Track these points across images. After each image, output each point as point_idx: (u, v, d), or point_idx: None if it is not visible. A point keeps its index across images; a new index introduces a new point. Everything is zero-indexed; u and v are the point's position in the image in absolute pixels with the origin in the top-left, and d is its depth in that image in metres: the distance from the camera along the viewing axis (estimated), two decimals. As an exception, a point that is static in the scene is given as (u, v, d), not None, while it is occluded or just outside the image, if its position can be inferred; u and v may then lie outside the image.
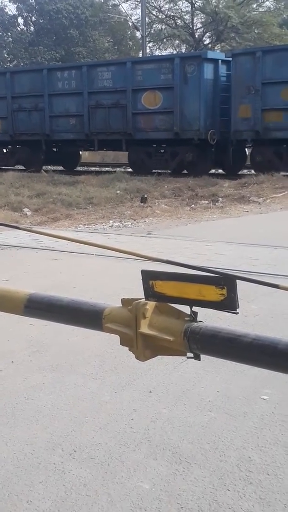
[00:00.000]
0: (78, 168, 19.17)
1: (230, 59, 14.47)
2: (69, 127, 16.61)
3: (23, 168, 17.16)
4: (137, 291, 1.23)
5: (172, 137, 14.81)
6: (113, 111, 15.54)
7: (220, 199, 11.43)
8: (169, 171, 15.22)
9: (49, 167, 17.74)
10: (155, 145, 15.60)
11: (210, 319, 2.01)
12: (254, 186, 12.25)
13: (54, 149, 18.01)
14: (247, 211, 10.14)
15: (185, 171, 15.24)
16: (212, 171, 15.78)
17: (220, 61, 14.57)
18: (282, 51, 14.19)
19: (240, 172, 15.33)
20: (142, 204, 11.11)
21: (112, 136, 15.80)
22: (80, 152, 18.35)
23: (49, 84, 16.54)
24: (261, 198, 11.25)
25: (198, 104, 14.32)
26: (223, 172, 15.51)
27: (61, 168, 17.98)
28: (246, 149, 15.39)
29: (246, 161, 15.57)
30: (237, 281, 1.15)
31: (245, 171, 15.65)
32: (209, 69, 14.33)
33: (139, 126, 15.31)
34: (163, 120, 14.88)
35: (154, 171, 14.54)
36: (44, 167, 17.48)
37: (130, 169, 16.30)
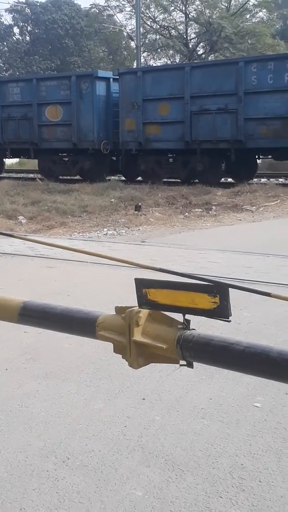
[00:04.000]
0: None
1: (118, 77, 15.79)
2: None
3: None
4: (131, 299, 1.25)
5: (71, 147, 16.44)
6: (22, 123, 17.30)
7: (214, 207, 11.50)
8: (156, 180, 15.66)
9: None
10: (64, 154, 17.31)
11: (204, 326, 2.03)
12: (247, 195, 12.33)
13: None
14: (240, 220, 10.20)
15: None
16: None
17: (111, 79, 16.03)
18: (158, 71, 15.90)
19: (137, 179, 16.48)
20: (136, 212, 11.15)
21: (22, 145, 17.54)
22: (4, 160, 19.80)
23: None
24: (254, 207, 11.32)
25: (91, 118, 15.88)
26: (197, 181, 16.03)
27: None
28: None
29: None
30: (230, 289, 1.17)
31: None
32: (101, 86, 15.92)
33: (44, 137, 16.95)
34: (64, 132, 16.48)
35: (60, 177, 16.31)
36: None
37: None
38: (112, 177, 17.10)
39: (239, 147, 13.96)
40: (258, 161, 16.57)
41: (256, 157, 15.55)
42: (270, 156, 15.63)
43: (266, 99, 13.34)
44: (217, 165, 14.84)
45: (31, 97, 16.73)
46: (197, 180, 14.58)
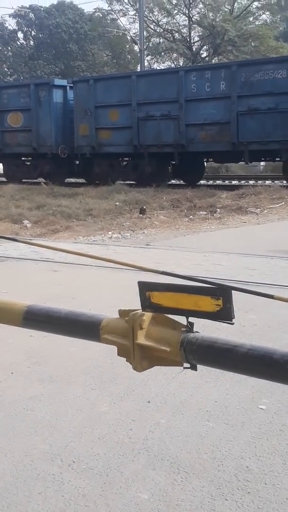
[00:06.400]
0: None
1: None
2: None
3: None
4: (136, 302, 1.26)
5: (31, 151, 17.29)
6: None
7: (218, 210, 11.49)
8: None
9: None
10: (28, 158, 18.22)
11: (208, 329, 2.03)
12: (252, 197, 12.32)
13: None
14: (245, 222, 10.19)
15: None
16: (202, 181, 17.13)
17: (68, 87, 16.84)
18: (108, 79, 16.84)
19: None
20: (141, 215, 11.16)
21: None
22: None
23: None
24: (259, 209, 11.30)
25: (50, 124, 16.69)
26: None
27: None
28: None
29: None
30: (233, 291, 1.17)
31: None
32: (58, 94, 16.76)
33: (7, 142, 17.77)
34: (24, 137, 17.33)
35: (23, 180, 17.07)
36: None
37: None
38: (71, 179, 17.98)
39: (182, 151, 14.79)
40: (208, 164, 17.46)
41: (205, 160, 16.37)
42: (211, 159, 16.41)
43: (204, 106, 14.20)
44: (164, 168, 15.81)
45: None
46: (154, 185, 14.90)
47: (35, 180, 17.16)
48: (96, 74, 29.57)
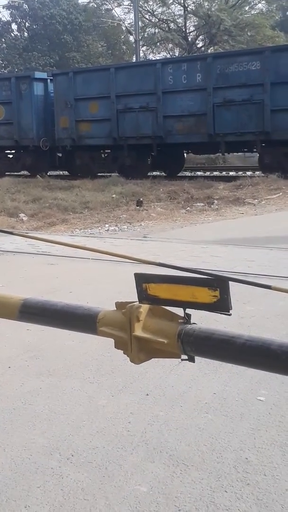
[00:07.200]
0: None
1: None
2: None
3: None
4: (133, 294, 1.24)
5: (13, 144, 17.53)
6: None
7: (216, 201, 11.46)
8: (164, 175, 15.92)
9: None
10: (12, 151, 18.53)
11: (207, 321, 2.01)
12: (249, 188, 12.30)
13: None
14: (243, 213, 10.17)
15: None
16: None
17: (49, 80, 17.08)
18: (87, 72, 16.90)
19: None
20: (138, 207, 11.13)
21: None
22: None
23: None
24: (256, 200, 11.28)
25: (31, 116, 16.93)
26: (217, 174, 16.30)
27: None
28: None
29: None
30: (231, 282, 1.15)
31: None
32: (39, 87, 16.96)
33: None
34: (6, 130, 17.45)
35: (6, 173, 17.22)
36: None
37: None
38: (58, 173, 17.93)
39: (160, 143, 14.99)
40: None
41: (185, 152, 16.58)
42: (189, 151, 16.60)
43: (181, 98, 14.38)
44: (143, 160, 15.97)
45: None
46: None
47: (17, 173, 17.30)
48: (91, 65, 29.44)
